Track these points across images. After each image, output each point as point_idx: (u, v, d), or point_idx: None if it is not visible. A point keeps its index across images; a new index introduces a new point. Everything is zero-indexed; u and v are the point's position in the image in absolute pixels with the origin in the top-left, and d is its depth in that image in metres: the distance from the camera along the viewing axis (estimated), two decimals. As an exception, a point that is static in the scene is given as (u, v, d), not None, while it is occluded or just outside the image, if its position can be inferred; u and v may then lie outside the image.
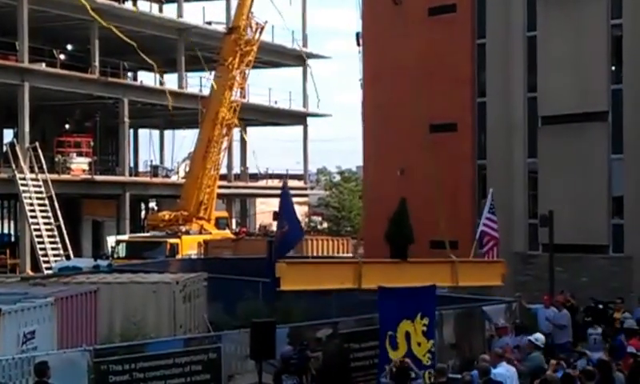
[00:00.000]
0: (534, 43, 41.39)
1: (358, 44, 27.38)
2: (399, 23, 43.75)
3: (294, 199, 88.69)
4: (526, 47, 41.74)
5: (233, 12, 57.65)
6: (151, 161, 74.08)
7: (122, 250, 49.33)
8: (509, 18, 42.22)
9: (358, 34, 26.77)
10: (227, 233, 55.41)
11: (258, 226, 77.26)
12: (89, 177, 59.57)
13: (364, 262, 25.83)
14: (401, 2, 29.31)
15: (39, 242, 52.75)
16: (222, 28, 63.68)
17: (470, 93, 43.59)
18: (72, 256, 53.32)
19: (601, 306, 32.04)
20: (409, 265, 26.18)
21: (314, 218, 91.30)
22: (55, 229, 53.46)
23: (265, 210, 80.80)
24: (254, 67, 56.63)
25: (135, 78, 73.61)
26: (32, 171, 54.29)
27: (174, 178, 68.61)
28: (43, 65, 58.01)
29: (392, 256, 26.63)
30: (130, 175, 64.44)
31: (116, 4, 60.63)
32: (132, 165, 70.26)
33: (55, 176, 56.30)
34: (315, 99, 75.17)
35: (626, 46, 38.71)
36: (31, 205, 53.16)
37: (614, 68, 39.41)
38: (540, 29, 41.18)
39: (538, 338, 21.98)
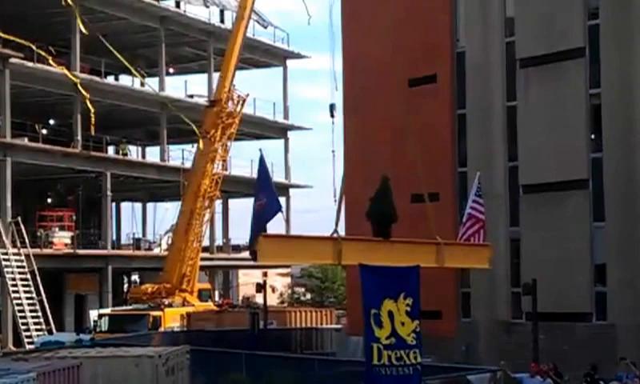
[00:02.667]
0: (514, 113, 41.76)
1: (332, 115, 27.32)
2: (380, 92, 44.31)
3: (276, 271, 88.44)
4: (506, 117, 42.11)
5: (215, 85, 57.95)
6: (134, 234, 73.93)
7: (104, 324, 49.01)
8: (489, 88, 42.63)
9: (332, 106, 26.77)
10: (210, 305, 55.14)
11: (241, 298, 76.95)
12: (71, 251, 59.35)
13: (344, 239, 24.64)
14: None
15: (21, 317, 52.37)
16: (204, 101, 63.97)
17: (450, 162, 43.84)
18: (54, 330, 52.92)
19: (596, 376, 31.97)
20: (392, 244, 25.16)
21: (297, 289, 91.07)
22: (37, 303, 53.11)
23: (248, 282, 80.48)
24: (236, 139, 56.79)
25: (117, 152, 73.70)
26: (14, 246, 54.05)
27: (156, 251, 68.40)
28: (26, 139, 58.07)
29: (374, 235, 25.33)
30: (113, 248, 64.25)
31: (98, 78, 60.88)
32: (114, 238, 70.08)
33: (37, 250, 56.07)
34: (298, 171, 75.34)
35: (604, 115, 39.09)
36: (13, 280, 52.89)
37: (593, 136, 39.76)
38: (519, 98, 41.58)
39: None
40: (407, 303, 22.27)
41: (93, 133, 48.98)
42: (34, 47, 54.52)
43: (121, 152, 65.66)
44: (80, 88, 47.52)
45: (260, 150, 23.94)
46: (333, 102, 27.68)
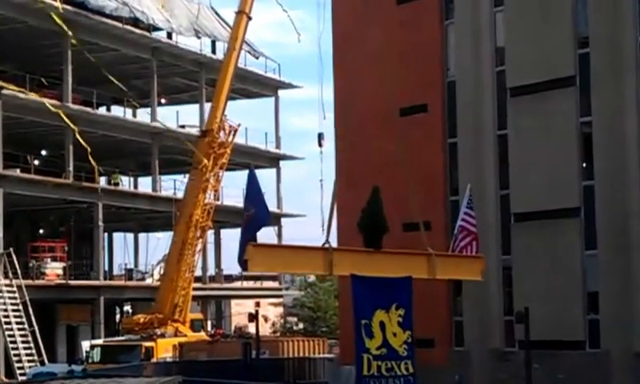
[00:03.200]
0: (505, 141, 41.89)
1: (320, 144, 27.39)
2: (371, 124, 44.44)
3: (269, 300, 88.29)
4: (497, 145, 42.23)
5: (206, 115, 58.08)
6: (126, 264, 73.91)
7: (96, 355, 48.86)
8: (479, 117, 42.76)
9: (320, 135, 26.87)
10: (202, 335, 55.03)
11: (233, 328, 76.86)
12: (63, 281, 59.30)
13: (335, 250, 24.51)
14: None
15: (13, 348, 52.26)
16: (195, 131, 64.08)
17: (442, 191, 43.92)
18: (46, 362, 52.80)
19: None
20: (383, 255, 25.01)
21: (290, 318, 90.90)
22: (29, 334, 53.01)
23: (240, 312, 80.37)
24: (228, 169, 56.86)
25: (109, 182, 73.74)
26: (6, 277, 54.00)
27: (148, 281, 68.35)
28: (18, 171, 58.10)
29: (365, 246, 25.30)
30: (105, 279, 64.20)
31: (90, 110, 61.00)
32: (106, 268, 70.03)
33: (29, 281, 56.01)
34: (290, 200, 75.42)
35: (596, 143, 39.21)
36: (5, 311, 52.81)
37: (584, 165, 39.87)
38: (510, 127, 41.72)
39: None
40: (399, 314, 22.26)
41: (94, 165, 48.89)
42: (26, 78, 54.67)
43: (112, 182, 65.67)
44: (66, 120, 47.37)
45: (250, 164, 23.88)
46: (321, 132, 27.78)
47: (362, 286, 22.36)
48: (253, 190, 24.02)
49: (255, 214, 23.22)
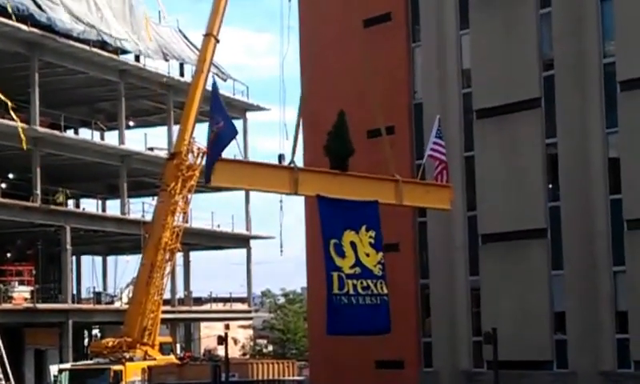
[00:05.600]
0: (472, 162, 42.15)
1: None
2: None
3: (238, 323, 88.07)
4: (464, 167, 42.48)
5: (175, 137, 58.04)
6: (94, 287, 73.58)
7: (64, 379, 48.60)
8: (446, 139, 42.90)
9: (280, 157, 26.88)
10: (172, 358, 54.83)
11: (202, 351, 76.61)
12: (31, 305, 58.95)
13: (301, 169, 24.31)
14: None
15: (-20, 373, 51.88)
16: (163, 154, 64.01)
17: (410, 214, 44.09)
18: (14, 387, 52.44)
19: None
20: (349, 178, 24.75)
21: (259, 341, 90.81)
22: (-4, 359, 52.63)
23: (209, 334, 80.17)
24: (197, 191, 56.80)
25: (77, 205, 73.47)
26: (-27, 301, 53.68)
27: (117, 305, 68.04)
28: (-16, 194, 57.82)
29: (331, 169, 24.95)
30: (73, 302, 63.85)
31: (58, 132, 60.80)
32: (75, 292, 69.62)
33: (-4, 305, 55.69)
34: (259, 223, 75.27)
35: (561, 164, 39.54)
36: (-28, 335, 52.44)
37: (550, 185, 40.18)
38: (477, 148, 41.99)
39: None
40: (370, 235, 22.25)
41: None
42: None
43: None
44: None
45: (213, 77, 23.22)
46: (281, 153, 27.75)
47: (328, 207, 22.25)
48: (218, 105, 23.32)
49: (224, 127, 22.73)
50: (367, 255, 22.25)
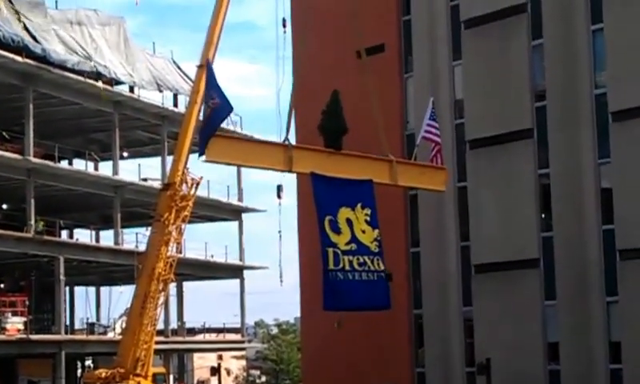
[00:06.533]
0: (465, 193, 42.29)
1: (279, 197, 27.44)
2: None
3: (232, 353, 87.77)
4: (457, 197, 42.62)
5: (168, 168, 58.14)
6: (87, 318, 73.44)
7: (57, 410, 48.49)
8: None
9: (279, 187, 26.98)
10: (165, 389, 54.76)
11: (196, 381, 76.50)
12: (24, 336, 58.82)
13: (296, 147, 24.26)
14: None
15: (-27, 404, 51.74)
16: (157, 184, 64.06)
17: (403, 243, 44.20)
18: (6, 417, 52.28)
19: None
20: (344, 156, 24.67)
21: (253, 371, 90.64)
22: (-11, 390, 52.52)
23: (203, 365, 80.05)
24: (190, 222, 56.87)
25: (71, 236, 73.44)
26: (-34, 332, 53.55)
27: (110, 335, 67.94)
28: (-22, 224, 57.78)
29: (326, 147, 24.88)
30: (66, 333, 63.72)
31: (51, 163, 60.86)
32: (68, 323, 69.53)
33: (-10, 336, 55.57)
34: (252, 252, 75.39)
35: (554, 195, 39.71)
36: (-35, 366, 52.31)
37: (543, 215, 40.32)
38: (470, 179, 42.14)
39: None
40: (366, 213, 22.25)
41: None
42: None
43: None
44: None
45: (207, 59, 23.15)
46: (280, 184, 27.84)
47: (323, 184, 22.27)
48: (213, 82, 23.38)
49: (219, 103, 22.75)
50: (363, 232, 22.31)
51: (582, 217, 38.81)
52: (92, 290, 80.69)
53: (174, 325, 75.72)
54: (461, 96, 43.03)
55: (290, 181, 44.22)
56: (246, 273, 78.28)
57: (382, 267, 22.02)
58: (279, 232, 26.38)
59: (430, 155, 27.18)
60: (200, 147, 22.94)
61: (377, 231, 22.39)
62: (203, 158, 23.03)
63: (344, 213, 22.19)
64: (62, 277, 60.85)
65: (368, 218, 22.41)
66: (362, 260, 21.84)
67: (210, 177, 71.27)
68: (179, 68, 73.95)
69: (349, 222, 22.17)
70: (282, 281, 25.51)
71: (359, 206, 22.37)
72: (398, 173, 25.58)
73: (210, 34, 50.02)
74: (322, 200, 22.20)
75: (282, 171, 24.13)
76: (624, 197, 37.75)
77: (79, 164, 71.03)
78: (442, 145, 27.71)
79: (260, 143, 24.50)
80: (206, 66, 23.00)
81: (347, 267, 21.93)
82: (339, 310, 23.60)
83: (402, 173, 25.78)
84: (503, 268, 40.66)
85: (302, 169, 23.96)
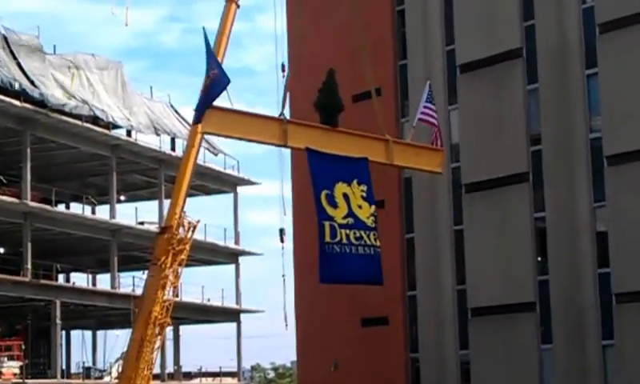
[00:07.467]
0: (461, 236, 42.38)
1: (282, 240, 27.51)
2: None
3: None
4: (454, 240, 42.71)
5: (165, 211, 58.27)
6: (83, 362, 73.17)
7: None
8: (436, 213, 43.32)
9: (281, 231, 27.07)
10: (161, 434, 54.55)
11: (192, 426, 76.16)
12: (20, 381, 58.60)
13: (291, 122, 24.12)
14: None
15: None
16: (154, 228, 64.10)
17: (400, 286, 44.23)
18: None
19: None
20: (339, 134, 24.50)
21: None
22: (-15, 435, 52.29)
23: (199, 409, 79.73)
24: (187, 265, 56.86)
25: (68, 280, 73.41)
26: (-39, 376, 53.38)
27: (106, 379, 67.70)
28: (-25, 269, 57.73)
29: (321, 124, 24.69)
30: (62, 378, 63.48)
31: (49, 207, 60.94)
32: (64, 367, 69.30)
33: (-15, 381, 55.39)
34: (248, 296, 75.39)
35: (550, 238, 39.81)
36: (-40, 411, 52.09)
37: (539, 259, 40.40)
38: (466, 222, 42.25)
39: None
40: (362, 189, 22.31)
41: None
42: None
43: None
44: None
45: (203, 27, 23.28)
46: (282, 227, 27.89)
47: (319, 160, 22.29)
48: (210, 53, 23.46)
49: (218, 74, 22.83)
50: (360, 207, 22.39)
51: (577, 260, 38.90)
52: (88, 333, 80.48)
53: (170, 369, 75.48)
54: (457, 140, 43.22)
55: (287, 223, 44.37)
56: (242, 316, 78.18)
57: (378, 243, 22.16)
58: (283, 276, 26.45)
59: (431, 137, 26.89)
60: (195, 116, 23.27)
61: (373, 207, 22.55)
62: (199, 127, 23.40)
63: (340, 188, 22.35)
64: (58, 320, 60.75)
65: (364, 194, 22.57)
66: (358, 234, 21.99)
67: (207, 220, 71.24)
68: (177, 112, 74.22)
69: (345, 196, 22.32)
70: (286, 325, 25.54)
71: (355, 181, 22.53)
72: (394, 152, 25.36)
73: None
74: (318, 175, 22.35)
75: (277, 146, 24.12)
76: (619, 240, 37.87)
77: (76, 208, 71.16)
78: (440, 127, 27.37)
79: (256, 116, 24.25)
80: (204, 38, 23.02)
81: (344, 240, 22.06)
82: (335, 282, 23.54)
83: (398, 153, 25.56)
84: (499, 311, 40.68)
85: (297, 144, 23.93)
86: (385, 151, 25.22)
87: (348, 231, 22.15)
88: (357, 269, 22.50)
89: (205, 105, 22.80)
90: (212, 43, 24.42)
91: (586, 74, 39.39)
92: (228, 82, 22.97)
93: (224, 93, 23.31)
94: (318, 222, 22.05)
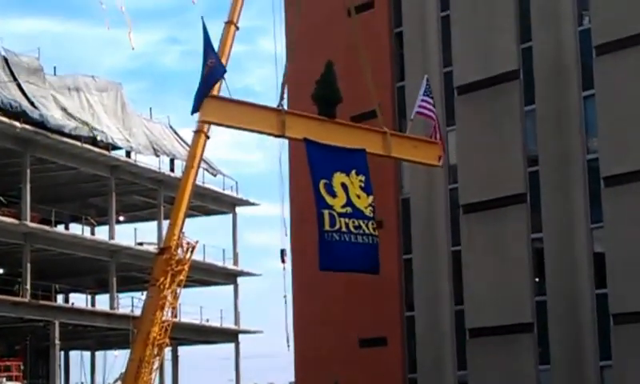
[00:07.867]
0: (459, 257, 42.47)
1: (283, 261, 27.60)
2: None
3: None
4: (451, 260, 42.80)
5: (164, 232, 58.34)
6: (82, 383, 73.20)
7: None
8: (434, 234, 43.41)
9: (282, 251, 27.18)
10: None
11: (191, 447, 75.98)
12: (18, 401, 58.66)
13: (289, 112, 24.07)
14: None
15: None
16: (153, 248, 64.19)
17: (398, 306, 44.27)
18: None
19: None
20: (337, 125, 24.47)
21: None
22: None
23: (198, 431, 79.65)
24: (186, 286, 56.92)
25: (67, 300, 73.45)
26: (-40, 397, 53.37)
27: (105, 400, 67.73)
28: (-26, 289, 57.81)
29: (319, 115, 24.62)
30: (61, 398, 63.55)
31: (48, 228, 61.06)
32: (63, 388, 69.35)
33: (-16, 401, 55.38)
34: (247, 316, 75.34)
35: (547, 259, 39.89)
36: (-41, 432, 52.07)
37: (537, 280, 40.48)
38: (463, 243, 42.33)
39: None
40: (360, 179, 22.45)
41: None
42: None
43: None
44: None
45: (202, 18, 23.39)
46: (283, 248, 27.97)
47: (317, 150, 22.40)
48: (208, 43, 23.40)
49: (215, 64, 23.00)
50: (358, 197, 22.52)
51: (575, 281, 38.98)
52: (87, 354, 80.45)
53: (169, 389, 75.48)
54: (454, 161, 43.33)
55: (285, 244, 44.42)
56: (241, 337, 78.18)
57: (376, 232, 22.31)
58: (284, 296, 26.53)
59: (430, 131, 26.63)
60: (193, 105, 23.16)
61: (371, 197, 22.71)
62: (196, 116, 23.34)
63: (339, 178, 22.49)
64: (57, 341, 60.79)
65: (362, 185, 22.71)
66: (357, 223, 22.14)
67: (206, 241, 71.32)
68: (176, 133, 74.43)
69: (344, 186, 22.45)
70: (289, 345, 25.58)
71: (354, 172, 22.69)
72: (391, 145, 25.33)
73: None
74: (316, 164, 22.49)
75: (275, 136, 24.06)
76: (617, 261, 37.96)
77: (76, 228, 71.31)
78: (437, 121, 27.00)
79: (254, 106, 24.16)
80: (202, 28, 23.13)
81: (344, 229, 22.22)
82: (335, 270, 23.65)
83: (395, 145, 25.50)
84: (497, 332, 40.73)
85: (295, 134, 23.95)
86: (382, 143, 25.22)
87: (347, 220, 22.34)
88: (356, 257, 22.68)
89: (202, 94, 22.92)
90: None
91: (582, 95, 39.56)
92: (224, 71, 23.25)
93: (224, 89, 23.62)
94: (317, 210, 22.23)
